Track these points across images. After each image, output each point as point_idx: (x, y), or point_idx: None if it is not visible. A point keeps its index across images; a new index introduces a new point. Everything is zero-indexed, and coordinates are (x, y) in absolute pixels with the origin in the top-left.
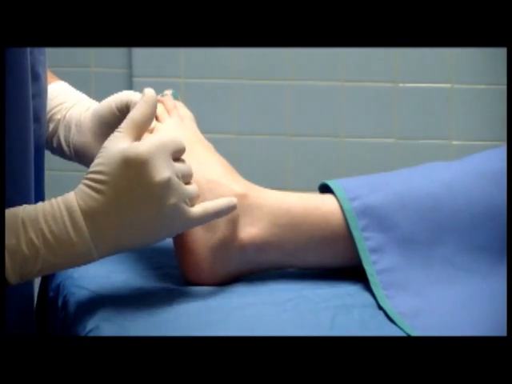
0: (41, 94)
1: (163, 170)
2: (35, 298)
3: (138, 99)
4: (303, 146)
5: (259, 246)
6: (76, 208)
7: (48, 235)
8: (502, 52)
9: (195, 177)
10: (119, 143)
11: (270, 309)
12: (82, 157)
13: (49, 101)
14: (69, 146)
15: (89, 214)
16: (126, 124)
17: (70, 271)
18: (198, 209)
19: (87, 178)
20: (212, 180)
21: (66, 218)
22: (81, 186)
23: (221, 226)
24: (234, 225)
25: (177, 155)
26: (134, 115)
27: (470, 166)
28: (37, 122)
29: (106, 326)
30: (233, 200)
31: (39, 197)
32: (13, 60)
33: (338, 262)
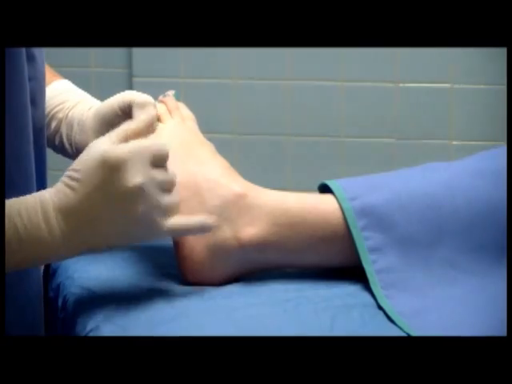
0: (37, 77)
1: (137, 176)
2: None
3: (140, 99)
4: (303, 146)
5: (258, 245)
6: (49, 202)
7: (18, 223)
8: (502, 52)
9: (195, 177)
10: (101, 145)
11: (269, 309)
12: None
13: (52, 99)
14: (71, 145)
15: (60, 209)
16: (116, 130)
17: (71, 271)
18: (171, 221)
19: (65, 176)
20: (211, 180)
21: (39, 211)
22: (58, 184)
23: (220, 225)
24: (233, 224)
25: (158, 161)
26: (124, 125)
27: (469, 166)
28: (33, 104)
29: (106, 326)
30: (208, 219)
31: (41, 176)
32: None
33: (337, 262)
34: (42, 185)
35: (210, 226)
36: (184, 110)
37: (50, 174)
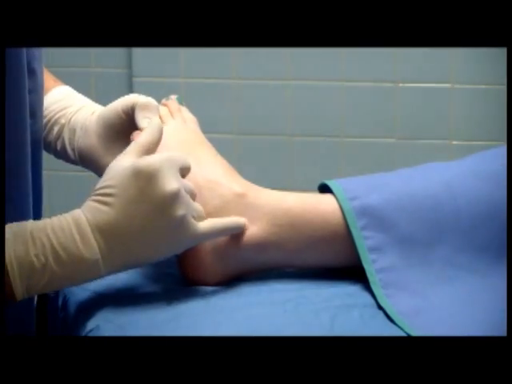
0: (37, 90)
1: (173, 182)
2: (35, 298)
3: (142, 100)
4: (303, 146)
5: (258, 245)
6: (84, 220)
7: (56, 246)
8: (502, 52)
9: (195, 177)
10: (125, 161)
11: (269, 309)
12: (87, 160)
13: (53, 104)
14: (73, 150)
15: (97, 226)
16: (130, 147)
17: None
18: (205, 224)
19: (94, 195)
20: (212, 180)
21: (74, 231)
22: (88, 203)
23: None
24: None
25: (183, 172)
26: (139, 139)
27: (469, 166)
28: (33, 117)
29: (106, 325)
30: (241, 220)
31: (36, 192)
32: (10, 57)
33: (337, 262)
34: (37, 198)
35: (243, 225)
36: (186, 113)
37: (48, 174)
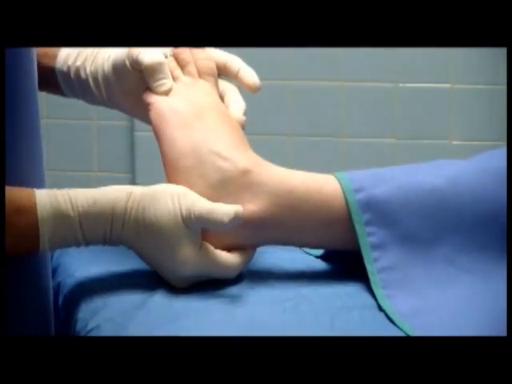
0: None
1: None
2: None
3: (148, 62)
4: (303, 146)
5: (256, 224)
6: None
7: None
8: (502, 52)
9: (199, 146)
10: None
11: (269, 308)
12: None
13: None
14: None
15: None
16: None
17: (71, 270)
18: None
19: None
20: (216, 152)
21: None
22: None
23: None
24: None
25: None
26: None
27: (475, 164)
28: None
29: (107, 325)
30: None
31: None
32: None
33: (336, 244)
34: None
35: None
36: (201, 62)
37: (48, 174)
